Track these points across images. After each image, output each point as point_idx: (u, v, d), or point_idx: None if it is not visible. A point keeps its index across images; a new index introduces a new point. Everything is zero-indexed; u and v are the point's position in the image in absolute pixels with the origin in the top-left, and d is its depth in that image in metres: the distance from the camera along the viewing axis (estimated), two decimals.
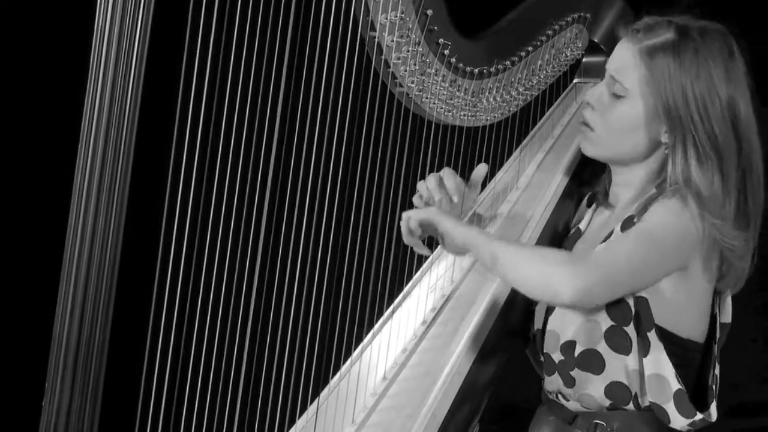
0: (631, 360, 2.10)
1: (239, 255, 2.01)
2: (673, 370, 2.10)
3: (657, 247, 2.04)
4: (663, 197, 2.07)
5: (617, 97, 2.13)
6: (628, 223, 2.12)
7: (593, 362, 2.12)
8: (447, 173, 2.32)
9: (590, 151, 2.22)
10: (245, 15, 1.92)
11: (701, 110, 2.06)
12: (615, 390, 2.13)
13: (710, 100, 2.06)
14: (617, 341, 2.10)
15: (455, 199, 2.32)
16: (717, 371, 2.18)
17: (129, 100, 1.77)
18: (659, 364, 2.10)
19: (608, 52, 2.66)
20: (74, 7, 2.68)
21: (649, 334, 2.09)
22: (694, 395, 2.16)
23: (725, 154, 2.06)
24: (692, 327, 2.14)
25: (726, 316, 2.20)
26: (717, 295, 2.17)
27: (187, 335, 1.94)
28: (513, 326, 2.26)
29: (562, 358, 2.16)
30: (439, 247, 2.42)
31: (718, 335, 2.17)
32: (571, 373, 2.15)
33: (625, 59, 2.12)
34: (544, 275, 2.01)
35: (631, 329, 2.09)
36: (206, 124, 1.89)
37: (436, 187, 2.30)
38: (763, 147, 2.14)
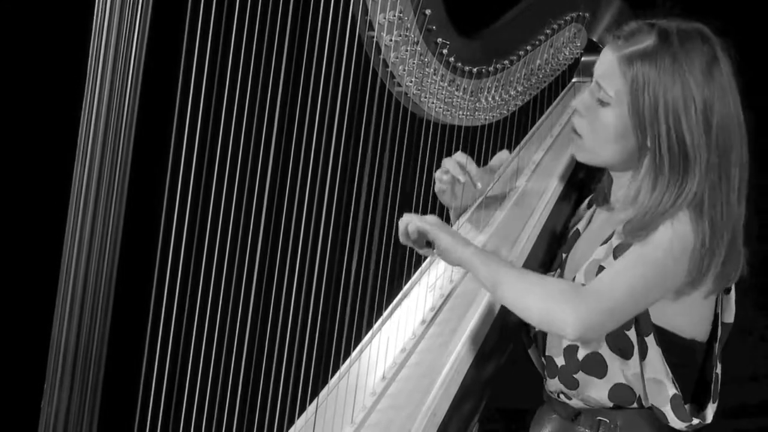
0: (633, 363, 2.10)
1: (238, 255, 2.01)
2: (670, 375, 2.11)
3: (659, 270, 2.03)
4: (665, 216, 2.06)
5: (603, 104, 2.12)
6: (628, 227, 2.11)
7: (596, 366, 2.12)
8: (466, 159, 2.34)
9: (581, 157, 2.22)
10: (243, 15, 1.92)
11: (671, 120, 2.04)
12: (619, 392, 2.13)
13: (684, 108, 2.04)
14: (619, 345, 2.10)
15: (479, 185, 2.35)
16: (719, 370, 2.18)
17: (127, 101, 1.77)
18: (656, 368, 2.10)
19: None
20: (72, 6, 2.68)
21: (647, 338, 2.09)
22: (696, 393, 2.18)
23: (694, 163, 2.05)
24: (696, 328, 2.14)
25: (729, 316, 2.19)
26: (720, 295, 2.17)
27: (186, 336, 1.94)
28: (513, 325, 2.25)
29: (564, 363, 2.16)
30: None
31: (719, 335, 2.18)
32: (575, 376, 2.16)
33: (607, 67, 2.11)
34: (548, 311, 2.02)
35: (632, 333, 2.10)
36: (204, 124, 1.89)
37: (463, 176, 2.34)
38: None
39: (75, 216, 1.77)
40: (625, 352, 2.10)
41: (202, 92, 1.87)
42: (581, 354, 2.14)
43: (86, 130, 1.77)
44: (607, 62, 2.11)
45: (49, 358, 1.78)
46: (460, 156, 2.35)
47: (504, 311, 2.22)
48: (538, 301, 2.03)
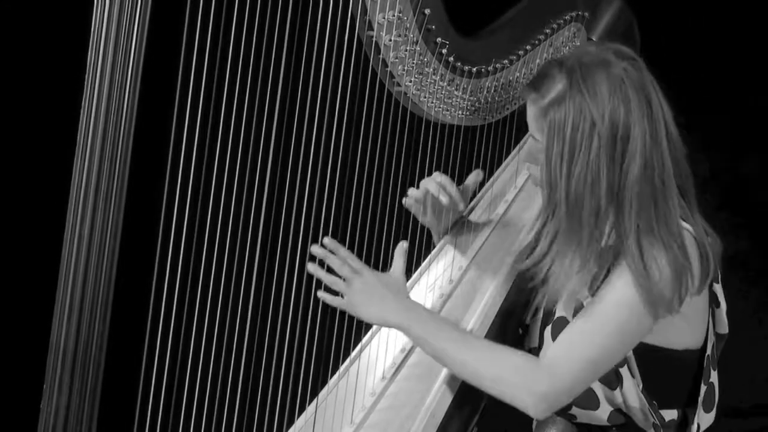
0: (617, 393, 2.12)
1: (237, 255, 2.01)
2: (647, 405, 2.12)
3: (623, 331, 2.01)
4: (614, 270, 2.03)
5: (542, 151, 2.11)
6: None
7: (588, 400, 2.13)
8: (441, 177, 2.31)
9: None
10: (242, 14, 1.92)
11: (579, 158, 2.00)
12: (616, 417, 2.15)
13: (588, 141, 2.00)
14: (605, 376, 2.10)
15: (461, 206, 2.33)
16: (714, 379, 2.18)
17: (126, 100, 1.77)
18: (633, 398, 2.12)
19: None
20: (71, 6, 2.67)
21: (621, 369, 2.10)
22: (691, 402, 2.18)
23: (590, 204, 2.01)
24: (688, 338, 2.14)
25: (722, 327, 2.19)
26: (710, 306, 2.17)
27: (186, 335, 1.94)
28: (512, 327, 2.25)
29: None
30: (438, 246, 2.43)
31: (711, 343, 2.17)
32: (570, 411, 2.17)
33: (532, 121, 2.10)
34: (505, 394, 2.00)
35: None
36: (203, 124, 1.89)
37: (438, 190, 2.31)
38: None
39: (74, 215, 1.77)
40: (610, 383, 2.12)
41: (201, 91, 1.87)
42: None
43: (86, 126, 1.77)
44: (531, 117, 2.10)
45: (49, 358, 1.78)
46: (439, 176, 2.33)
47: (503, 312, 2.22)
48: (494, 381, 2.01)
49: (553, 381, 2.00)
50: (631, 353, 2.09)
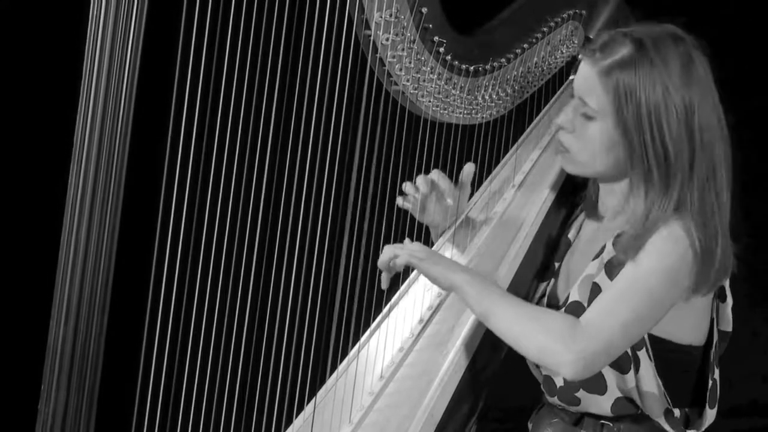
0: (629, 378, 2.11)
1: (235, 254, 2.01)
2: (662, 389, 2.11)
3: (654, 299, 2.02)
4: (655, 232, 2.04)
5: (588, 118, 2.11)
6: (621, 242, 2.10)
7: (596, 383, 2.13)
8: (438, 175, 2.32)
9: (570, 169, 2.21)
10: (239, 14, 1.92)
11: (654, 126, 2.04)
12: (621, 405, 2.14)
13: (665, 112, 2.04)
14: (617, 360, 2.10)
15: (449, 201, 2.32)
16: (717, 376, 2.18)
17: (123, 101, 1.77)
18: (649, 382, 2.11)
19: None
20: (67, 9, 2.67)
21: (639, 352, 2.09)
22: (695, 398, 2.18)
23: (676, 168, 2.05)
24: (692, 333, 2.14)
25: (726, 324, 2.19)
26: (715, 301, 2.17)
27: (183, 336, 1.94)
28: None
29: (563, 384, 2.17)
30: (436, 245, 2.43)
31: (715, 339, 2.17)
32: (576, 395, 2.16)
33: (588, 81, 2.10)
34: (544, 349, 2.00)
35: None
36: (200, 124, 1.89)
37: (427, 187, 2.31)
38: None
39: (71, 216, 1.77)
40: (622, 367, 2.11)
41: (197, 94, 1.87)
42: None
43: (83, 126, 1.77)
44: (587, 77, 2.11)
45: (46, 360, 1.78)
46: (435, 174, 2.34)
47: None
48: (534, 338, 2.01)
49: (592, 343, 1.99)
50: (646, 337, 2.08)
